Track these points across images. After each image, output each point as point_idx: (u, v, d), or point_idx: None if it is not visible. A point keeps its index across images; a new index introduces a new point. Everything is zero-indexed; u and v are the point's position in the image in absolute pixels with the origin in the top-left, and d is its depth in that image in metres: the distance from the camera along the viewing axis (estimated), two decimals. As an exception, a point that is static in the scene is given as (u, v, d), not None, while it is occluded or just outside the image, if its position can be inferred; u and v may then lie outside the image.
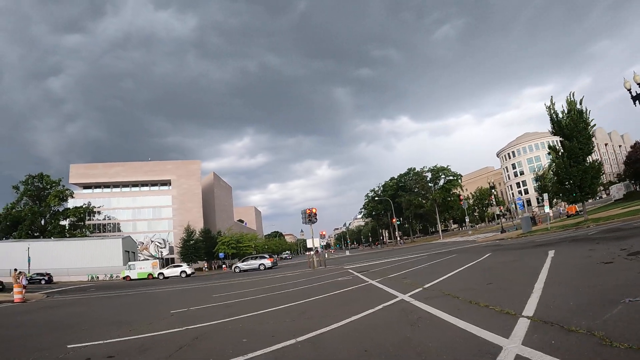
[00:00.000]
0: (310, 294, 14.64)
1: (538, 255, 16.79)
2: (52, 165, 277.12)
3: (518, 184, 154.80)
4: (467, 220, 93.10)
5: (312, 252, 39.59)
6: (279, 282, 24.27)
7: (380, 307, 9.54)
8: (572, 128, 38.92)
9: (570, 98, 39.81)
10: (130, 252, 78.07)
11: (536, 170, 74.53)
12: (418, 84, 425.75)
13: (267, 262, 53.92)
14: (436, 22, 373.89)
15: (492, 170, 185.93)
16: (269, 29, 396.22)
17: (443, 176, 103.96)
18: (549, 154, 42.54)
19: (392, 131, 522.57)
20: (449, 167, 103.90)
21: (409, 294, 11.10)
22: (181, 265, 58.75)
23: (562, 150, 40.52)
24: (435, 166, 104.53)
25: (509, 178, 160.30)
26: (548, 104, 41.33)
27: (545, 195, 44.70)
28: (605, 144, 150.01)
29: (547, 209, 44.25)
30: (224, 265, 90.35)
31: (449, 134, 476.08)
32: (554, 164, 74.91)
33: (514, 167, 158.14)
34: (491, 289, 10.38)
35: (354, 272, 23.01)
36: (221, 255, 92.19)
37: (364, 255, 55.15)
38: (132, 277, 55.94)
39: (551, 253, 16.10)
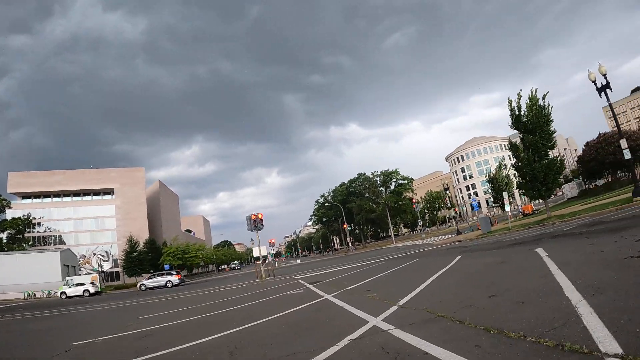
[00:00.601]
0: (252, 316, 11.67)
1: (526, 254, 14.42)
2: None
3: (467, 187, 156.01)
4: (420, 223, 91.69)
5: (259, 262, 36.63)
6: (220, 297, 21.09)
7: (346, 341, 6.52)
8: (535, 122, 37.70)
9: (532, 93, 38.63)
10: (70, 267, 73.36)
11: (489, 171, 73.01)
12: (368, 91, 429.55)
13: (174, 278, 53.02)
14: (388, 30, 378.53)
15: (441, 174, 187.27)
16: (221, 34, 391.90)
17: (394, 180, 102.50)
18: (509, 148, 40.80)
19: (342, 138, 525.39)
20: (398, 171, 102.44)
21: (382, 315, 8.17)
22: (84, 284, 53.18)
23: (522, 146, 38.83)
24: (386, 170, 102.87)
25: (459, 181, 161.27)
26: (512, 97, 40.00)
27: (505, 194, 43.31)
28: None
29: (507, 208, 42.69)
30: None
31: (398, 140, 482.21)
32: (504, 164, 75.76)
33: (463, 170, 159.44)
34: (506, 304, 7.37)
35: (306, 284, 19.95)
36: (166, 267, 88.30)
37: (315, 263, 52.13)
38: (68, 294, 51.67)
39: (541, 252, 13.58)
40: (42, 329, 17.11)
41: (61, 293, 51.03)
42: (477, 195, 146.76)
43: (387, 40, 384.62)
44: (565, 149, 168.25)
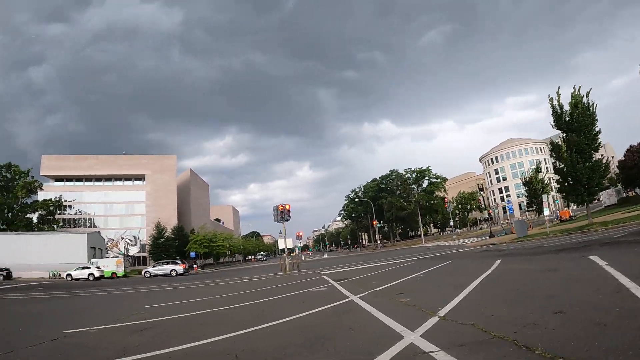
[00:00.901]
0: (264, 316, 10.17)
1: (579, 262, 12.85)
2: (30, 159, 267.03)
3: (500, 190, 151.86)
4: (451, 223, 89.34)
5: (285, 255, 35.33)
6: (238, 289, 19.79)
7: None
8: (580, 121, 35.65)
9: (576, 91, 36.61)
10: (97, 249, 73.80)
11: (524, 174, 70.27)
12: (402, 88, 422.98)
13: (179, 267, 52.92)
14: (423, 27, 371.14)
15: (474, 175, 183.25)
16: (255, 27, 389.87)
17: (426, 178, 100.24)
18: (551, 149, 38.60)
19: (374, 135, 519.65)
20: (430, 169, 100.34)
21: (421, 329, 6.57)
22: (89, 267, 52.51)
23: (565, 147, 36.64)
24: (419, 168, 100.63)
25: (491, 183, 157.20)
26: (552, 95, 37.88)
27: (544, 197, 41.08)
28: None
29: (546, 212, 40.48)
30: (195, 266, 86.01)
31: (430, 139, 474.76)
32: (540, 167, 72.86)
33: (496, 172, 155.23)
34: (581, 325, 5.73)
35: (331, 280, 18.45)
36: (192, 254, 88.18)
37: (342, 259, 50.62)
38: (74, 277, 51.87)
39: (597, 260, 11.89)
40: (42, 312, 16.21)
41: (67, 275, 50.80)
42: (509, 198, 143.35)
43: (422, 37, 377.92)
44: (602, 155, 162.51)
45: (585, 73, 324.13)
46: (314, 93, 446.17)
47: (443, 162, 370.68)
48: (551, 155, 40.18)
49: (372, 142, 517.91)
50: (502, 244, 34.95)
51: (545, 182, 64.15)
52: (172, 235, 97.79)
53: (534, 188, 62.98)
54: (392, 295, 11.28)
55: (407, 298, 10.19)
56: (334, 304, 10.70)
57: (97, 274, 50.85)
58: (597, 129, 36.20)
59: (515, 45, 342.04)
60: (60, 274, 56.48)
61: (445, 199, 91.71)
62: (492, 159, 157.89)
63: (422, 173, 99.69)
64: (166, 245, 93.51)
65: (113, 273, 54.89)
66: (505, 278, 12.48)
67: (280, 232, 35.89)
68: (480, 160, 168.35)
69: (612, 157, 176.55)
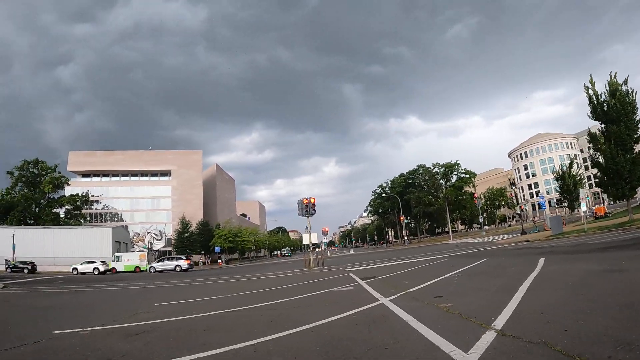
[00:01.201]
0: (280, 322, 8.68)
1: None
2: (58, 155, 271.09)
3: (530, 186, 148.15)
4: (481, 220, 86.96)
5: (310, 250, 34.07)
6: (259, 287, 18.45)
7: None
8: (619, 111, 33.46)
9: (612, 79, 34.57)
10: (122, 243, 74.84)
11: (555, 169, 67.57)
12: (428, 84, 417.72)
13: (184, 263, 52.65)
14: (449, 21, 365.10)
15: (502, 171, 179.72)
16: (279, 23, 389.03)
17: (455, 173, 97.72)
18: (588, 141, 36.55)
19: (400, 130, 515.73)
20: (459, 164, 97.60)
21: (477, 349, 5.06)
22: (94, 262, 52.15)
23: (603, 138, 34.59)
24: (448, 162, 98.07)
25: (521, 179, 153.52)
26: (587, 84, 35.77)
27: (582, 192, 38.83)
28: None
29: (583, 208, 38.35)
30: (219, 260, 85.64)
31: (457, 135, 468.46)
32: (576, 161, 70.11)
33: (525, 168, 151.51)
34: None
35: (357, 279, 16.96)
36: (217, 249, 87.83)
37: (369, 255, 49.13)
38: (117, 270, 52.92)
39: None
40: (46, 307, 15.59)
41: (73, 269, 50.61)
42: (539, 195, 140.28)
43: (448, 31, 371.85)
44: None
45: (614, 67, 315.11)
46: (340, 88, 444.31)
47: (470, 158, 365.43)
48: (589, 148, 37.99)
49: (398, 138, 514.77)
50: (537, 242, 33.37)
51: (578, 177, 61.65)
52: (197, 230, 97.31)
53: (566, 183, 60.51)
54: (429, 298, 9.72)
55: (449, 303, 8.63)
56: (362, 309, 9.16)
57: (101, 268, 50.92)
58: (638, 118, 34.07)
59: (542, 39, 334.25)
60: (84, 268, 56.84)
61: (475, 194, 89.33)
62: (521, 154, 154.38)
63: (450, 168, 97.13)
64: (191, 239, 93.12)
65: (137, 267, 54.37)
66: (559, 280, 10.75)
67: (306, 227, 34.39)
68: (509, 156, 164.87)
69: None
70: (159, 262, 54.33)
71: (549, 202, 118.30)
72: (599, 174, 36.55)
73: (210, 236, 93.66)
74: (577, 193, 54.99)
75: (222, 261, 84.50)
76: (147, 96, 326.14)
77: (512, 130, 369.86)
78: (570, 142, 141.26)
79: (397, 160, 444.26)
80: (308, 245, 35.10)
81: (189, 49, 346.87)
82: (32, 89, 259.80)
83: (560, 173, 61.21)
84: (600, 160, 35.56)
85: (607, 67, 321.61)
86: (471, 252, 28.40)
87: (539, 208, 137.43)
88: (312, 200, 32.78)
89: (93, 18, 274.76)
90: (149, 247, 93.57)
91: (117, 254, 58.21)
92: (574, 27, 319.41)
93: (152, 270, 51.16)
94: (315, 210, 32.84)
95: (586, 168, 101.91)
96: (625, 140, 33.31)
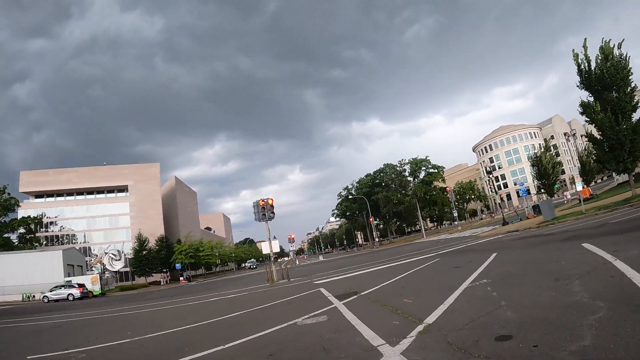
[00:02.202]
0: None
1: None
2: (16, 178, 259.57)
3: (497, 178, 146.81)
4: (455, 214, 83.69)
5: (272, 261, 29.14)
6: (192, 319, 13.00)
7: None
8: (614, 75, 30.17)
9: (605, 43, 31.20)
10: (76, 266, 70.68)
11: (533, 153, 64.19)
12: (389, 85, 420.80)
13: (76, 291, 47.43)
14: (407, 22, 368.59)
15: (467, 167, 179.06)
16: (239, 31, 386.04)
17: (424, 169, 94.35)
18: (581, 112, 33.08)
19: (363, 133, 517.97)
20: (429, 159, 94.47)
21: None
22: (73, 286, 48.19)
23: (598, 107, 31.05)
24: (415, 158, 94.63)
25: (486, 172, 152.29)
26: (577, 51, 32.59)
27: (576, 169, 35.12)
28: (565, 134, 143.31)
29: (579, 187, 34.94)
30: (181, 278, 79.91)
31: (420, 134, 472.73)
32: (550, 145, 67.26)
33: (491, 160, 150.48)
34: None
35: (331, 297, 11.99)
36: (177, 266, 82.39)
37: (340, 261, 43.85)
38: (51, 298, 46.89)
39: None
40: None
41: (43, 297, 45.99)
42: (507, 187, 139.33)
43: (406, 32, 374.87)
44: (582, 135, 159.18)
45: (570, 59, 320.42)
46: (301, 94, 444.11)
47: (434, 156, 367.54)
48: (584, 118, 34.11)
49: (361, 141, 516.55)
50: (530, 229, 29.58)
51: (557, 160, 58.57)
52: (157, 247, 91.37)
53: (544, 166, 57.14)
54: (487, 348, 4.83)
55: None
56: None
57: (77, 294, 46.33)
58: (633, 84, 30.89)
59: (499, 35, 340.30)
60: (34, 296, 52.02)
61: (447, 188, 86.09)
62: (485, 148, 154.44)
63: (419, 163, 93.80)
64: (149, 257, 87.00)
65: (89, 292, 49.89)
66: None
67: (275, 237, 29.32)
68: (473, 150, 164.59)
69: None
70: (51, 291, 48.73)
71: (517, 192, 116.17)
72: (595, 147, 33.74)
73: (171, 252, 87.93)
74: (555, 177, 51.66)
75: (184, 279, 78.76)
76: (107, 112, 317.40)
77: (474, 126, 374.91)
78: (534, 132, 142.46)
79: (362, 164, 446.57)
80: (270, 255, 30.16)
81: (147, 61, 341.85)
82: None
83: (535, 158, 58.15)
84: (596, 134, 32.24)
85: (563, 59, 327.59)
86: (461, 249, 24.01)
87: (508, 199, 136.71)
88: (270, 202, 27.70)
89: (48, 32, 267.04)
90: (109, 268, 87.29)
91: (66, 279, 54.09)
92: (529, 22, 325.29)
93: (46, 300, 46.37)
94: (274, 214, 27.82)
95: (557, 154, 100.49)
96: (625, 107, 30.10)
